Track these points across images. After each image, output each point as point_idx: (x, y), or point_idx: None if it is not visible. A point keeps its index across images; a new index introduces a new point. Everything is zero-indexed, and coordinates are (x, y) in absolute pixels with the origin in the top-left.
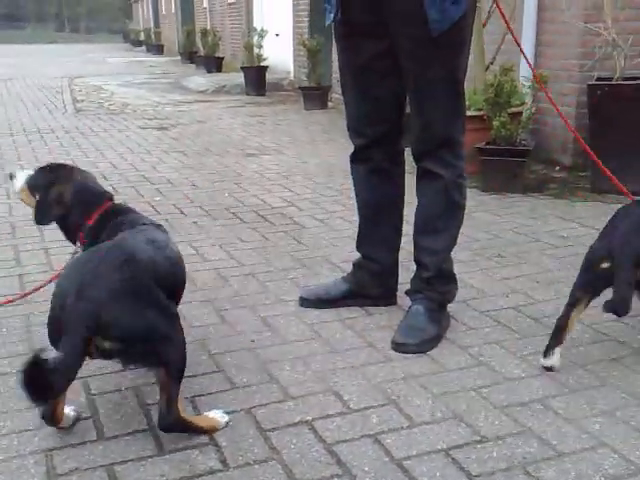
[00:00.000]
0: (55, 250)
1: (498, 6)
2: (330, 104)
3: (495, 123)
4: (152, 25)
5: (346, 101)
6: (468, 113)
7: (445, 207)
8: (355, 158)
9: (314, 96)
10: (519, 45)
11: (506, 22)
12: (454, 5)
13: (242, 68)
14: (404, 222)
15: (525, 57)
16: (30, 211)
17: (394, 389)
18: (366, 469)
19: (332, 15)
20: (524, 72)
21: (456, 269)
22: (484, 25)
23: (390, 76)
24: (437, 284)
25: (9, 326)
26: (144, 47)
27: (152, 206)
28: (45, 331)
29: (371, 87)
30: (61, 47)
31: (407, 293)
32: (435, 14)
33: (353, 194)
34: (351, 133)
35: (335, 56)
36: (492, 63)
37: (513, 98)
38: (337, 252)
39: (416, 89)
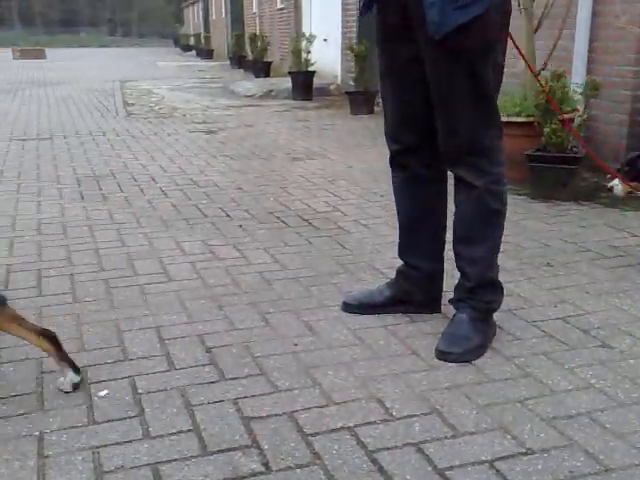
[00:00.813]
0: (105, 250)
1: (516, 46)
2: (377, 109)
3: (546, 130)
4: (202, 30)
5: (383, 106)
6: (518, 119)
7: (481, 216)
8: (392, 164)
9: (361, 101)
10: (518, 49)
11: (517, 48)
12: (458, 10)
13: (290, 73)
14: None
15: (525, 60)
16: (81, 212)
17: (438, 398)
18: (408, 477)
19: (365, 8)
20: (576, 78)
21: (503, 277)
22: (535, 31)
23: (423, 82)
24: (480, 293)
25: (60, 324)
26: (194, 51)
27: (199, 209)
28: (95, 329)
29: (405, 93)
30: (113, 51)
31: (451, 302)
32: (434, 16)
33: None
34: (387, 138)
35: None
36: (543, 69)
37: (564, 104)
38: (381, 258)
39: (437, 96)
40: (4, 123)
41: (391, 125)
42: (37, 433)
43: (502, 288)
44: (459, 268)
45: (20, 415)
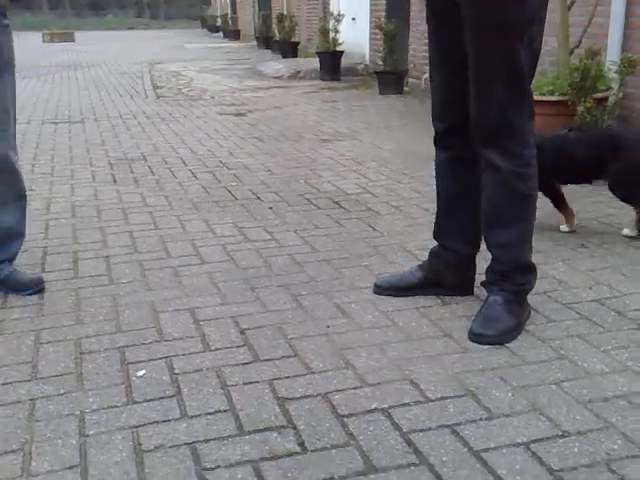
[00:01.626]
0: (138, 233)
1: None
2: (406, 89)
3: (580, 109)
4: (229, 11)
5: (431, 84)
6: (551, 98)
7: (509, 199)
8: (436, 144)
9: (389, 81)
10: None
11: None
12: None
13: (317, 53)
14: None
15: None
16: (114, 195)
17: (472, 380)
18: (444, 459)
19: None
20: (611, 56)
21: (537, 259)
22: (570, 7)
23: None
24: (512, 276)
25: (97, 305)
26: (221, 33)
27: (229, 191)
28: (131, 310)
29: (451, 72)
30: (140, 33)
31: (483, 284)
32: None
33: (428, 181)
34: (433, 117)
35: (412, 40)
36: (577, 47)
37: (599, 83)
38: (412, 240)
39: (471, 75)
40: (36, 106)
41: (437, 104)
42: (78, 412)
43: (535, 270)
44: (490, 251)
45: (61, 395)
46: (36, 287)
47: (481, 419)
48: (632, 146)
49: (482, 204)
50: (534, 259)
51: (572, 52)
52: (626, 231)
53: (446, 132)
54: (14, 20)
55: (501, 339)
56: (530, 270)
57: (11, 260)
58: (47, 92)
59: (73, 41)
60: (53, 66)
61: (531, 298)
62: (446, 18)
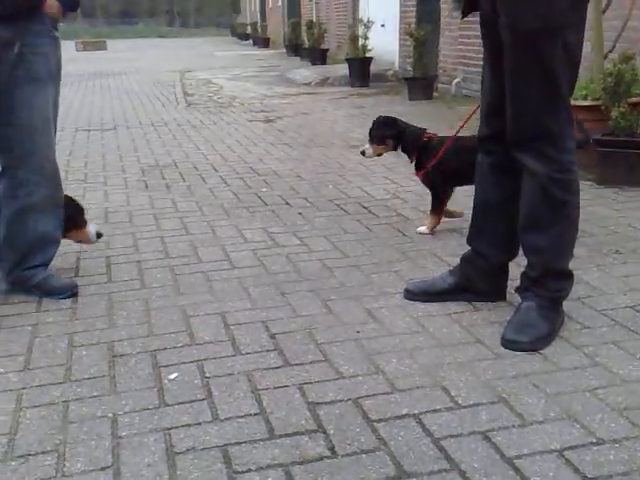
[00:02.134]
0: (170, 238)
1: None
2: (435, 94)
3: (614, 113)
4: (259, 18)
5: (482, 87)
6: (584, 103)
7: (545, 205)
8: (480, 147)
9: (419, 86)
10: None
11: None
12: None
13: (347, 60)
14: None
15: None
16: (146, 201)
17: (504, 387)
18: (476, 466)
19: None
20: None
21: (571, 265)
22: (604, 11)
23: None
24: (546, 283)
25: (129, 309)
26: (251, 40)
27: (259, 197)
28: (162, 314)
29: (498, 78)
30: (171, 41)
31: (517, 290)
32: None
33: (460, 187)
34: (480, 122)
35: (442, 45)
36: (611, 51)
37: (633, 87)
38: (443, 245)
39: (506, 78)
40: (70, 114)
41: (484, 109)
42: (111, 414)
43: (571, 277)
44: (526, 256)
45: (94, 397)
46: (70, 291)
47: (514, 426)
48: None
49: (520, 209)
50: None
51: (606, 56)
52: None
53: (489, 137)
54: None
55: (534, 346)
56: (565, 277)
57: (46, 265)
58: (80, 100)
59: (105, 49)
60: (86, 74)
61: (565, 304)
62: (493, 26)
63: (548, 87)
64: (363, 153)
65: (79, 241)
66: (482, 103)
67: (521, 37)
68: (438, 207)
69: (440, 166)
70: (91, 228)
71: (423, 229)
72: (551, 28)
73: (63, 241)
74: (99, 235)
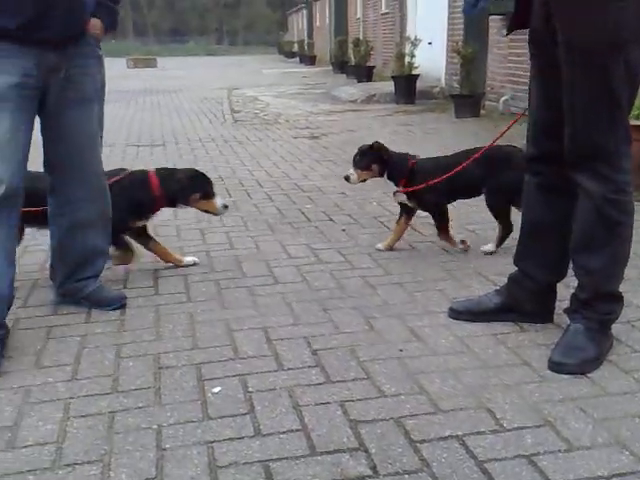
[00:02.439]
0: (215, 252)
1: None
2: (482, 112)
3: None
4: (306, 37)
5: (529, 107)
6: (634, 122)
7: (598, 225)
8: (528, 168)
9: (466, 104)
10: None
11: None
12: None
13: (393, 77)
14: None
15: None
16: (192, 215)
17: (551, 410)
18: None
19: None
20: None
21: (621, 287)
22: None
23: None
24: (596, 305)
25: (175, 322)
26: (297, 58)
27: (303, 213)
28: (207, 328)
29: (548, 98)
30: (220, 59)
31: (566, 311)
32: None
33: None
34: (527, 142)
35: (490, 63)
36: None
37: None
38: (489, 265)
39: (564, 96)
40: (120, 129)
41: (532, 130)
42: (155, 426)
43: (622, 300)
44: (577, 276)
45: (139, 408)
46: (119, 303)
47: (560, 450)
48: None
49: (573, 228)
50: None
51: None
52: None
53: (539, 158)
54: (102, 47)
55: (582, 369)
56: (616, 300)
57: (96, 276)
58: (130, 116)
59: (155, 67)
60: (136, 91)
61: (614, 327)
62: (545, 42)
63: (607, 105)
64: (347, 179)
65: (205, 211)
66: (530, 123)
67: (582, 54)
68: (443, 222)
69: (432, 187)
70: (219, 200)
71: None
72: (616, 44)
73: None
74: (225, 207)
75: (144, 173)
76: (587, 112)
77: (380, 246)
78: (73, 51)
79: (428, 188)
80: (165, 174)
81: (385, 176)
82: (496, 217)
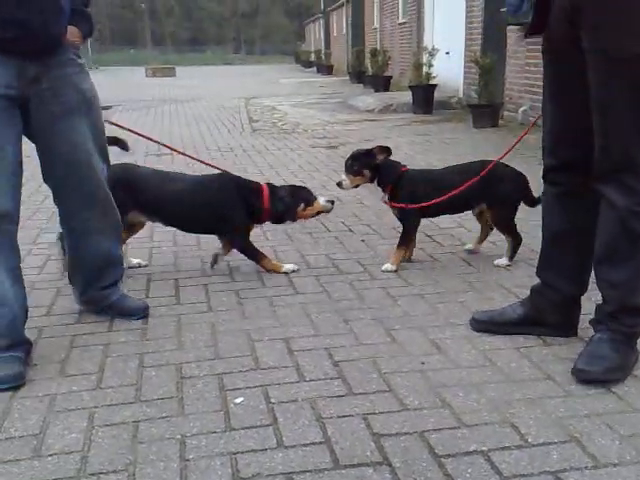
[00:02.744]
0: (235, 262)
1: None
2: (501, 122)
3: None
4: (323, 46)
5: (544, 117)
6: None
7: (625, 238)
8: (545, 178)
9: (484, 114)
10: None
11: None
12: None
13: (410, 87)
14: None
15: None
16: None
17: (576, 426)
18: None
19: (521, 12)
20: None
21: None
22: None
23: (587, 97)
24: (621, 318)
25: (197, 332)
26: (314, 68)
27: (322, 223)
28: (228, 338)
29: (568, 107)
30: (237, 68)
31: (591, 323)
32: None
33: (525, 216)
34: (544, 152)
35: (508, 74)
36: None
37: None
38: (510, 276)
39: (596, 108)
40: (140, 138)
41: (550, 139)
42: (179, 436)
43: None
44: (600, 289)
45: (163, 418)
46: (142, 313)
47: (587, 467)
48: None
49: (596, 241)
50: None
51: None
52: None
53: (557, 168)
54: (120, 56)
55: (606, 377)
56: None
57: (116, 284)
58: (150, 125)
59: (174, 76)
60: (155, 100)
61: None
62: (565, 50)
63: (639, 117)
64: (339, 184)
65: (316, 214)
66: (545, 133)
67: (619, 63)
68: (403, 241)
69: (408, 197)
70: (322, 200)
71: (388, 266)
72: None
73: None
74: (331, 202)
75: (258, 183)
76: (622, 124)
77: (389, 266)
78: (53, 61)
79: (407, 200)
80: (273, 190)
81: (375, 182)
82: (503, 231)
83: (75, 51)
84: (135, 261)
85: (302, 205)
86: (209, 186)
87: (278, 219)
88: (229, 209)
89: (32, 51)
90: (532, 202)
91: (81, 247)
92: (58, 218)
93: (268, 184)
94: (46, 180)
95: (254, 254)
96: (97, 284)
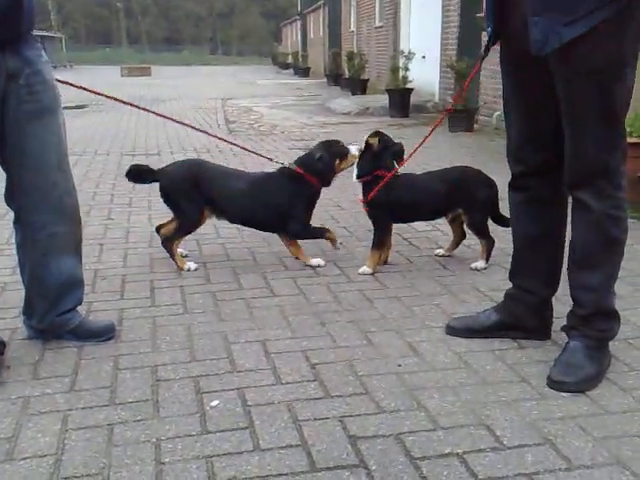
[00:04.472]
0: (212, 264)
1: None
2: (476, 126)
3: None
4: (300, 48)
5: (507, 126)
6: (629, 140)
7: (600, 242)
8: (513, 185)
9: (460, 118)
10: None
11: None
12: (567, 27)
13: (387, 90)
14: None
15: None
16: None
17: (550, 428)
18: None
19: (489, 29)
20: None
21: (617, 305)
22: None
23: (551, 103)
24: (595, 322)
25: (172, 334)
26: (291, 70)
27: None
28: (204, 340)
29: (532, 113)
30: (214, 69)
31: (563, 329)
32: (536, 34)
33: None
34: (510, 159)
35: (483, 79)
36: None
37: None
38: (485, 280)
39: (567, 115)
40: (115, 138)
41: (515, 146)
42: (154, 439)
43: (618, 317)
44: (573, 294)
45: (137, 421)
46: (110, 334)
47: (560, 469)
48: None
49: (571, 245)
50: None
51: None
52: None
53: (526, 174)
54: (96, 55)
55: (582, 387)
56: (613, 317)
57: (76, 307)
58: (125, 125)
59: (150, 75)
60: (131, 100)
61: (612, 345)
62: (528, 59)
63: (611, 125)
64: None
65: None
66: (511, 141)
67: (591, 75)
68: (377, 244)
69: (383, 200)
70: (353, 150)
71: (365, 269)
72: (620, 65)
73: (109, 263)
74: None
75: (291, 170)
76: (593, 133)
77: (365, 269)
78: (28, 55)
79: (375, 203)
80: (304, 161)
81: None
82: (479, 234)
83: (40, 46)
84: (185, 252)
85: (338, 160)
86: (272, 182)
87: (324, 182)
88: (292, 205)
89: (10, 38)
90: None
91: (43, 266)
92: (16, 236)
93: (296, 162)
94: (9, 194)
95: (317, 232)
96: (60, 309)
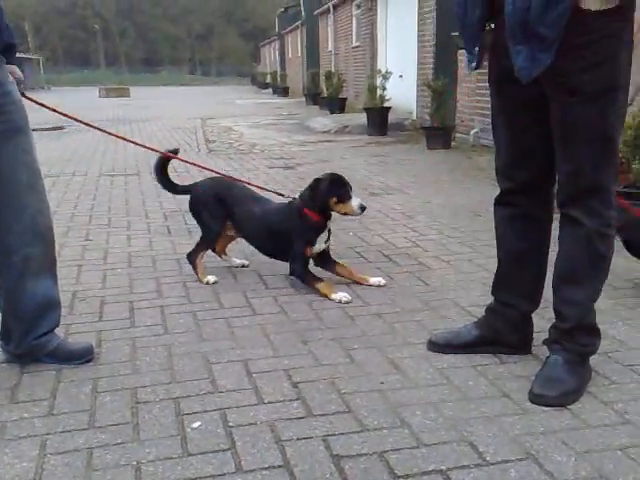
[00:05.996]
0: (192, 283)
1: None
2: (453, 144)
3: (635, 166)
4: (278, 68)
5: (496, 143)
6: None
7: (588, 258)
8: (500, 201)
9: (437, 136)
10: None
11: None
12: (543, 53)
13: (365, 109)
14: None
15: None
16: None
17: (533, 443)
18: None
19: (474, 65)
20: None
21: (597, 318)
22: None
23: (541, 121)
24: (577, 336)
25: (152, 355)
26: (270, 89)
27: None
28: (185, 361)
29: (522, 131)
30: (193, 89)
31: (545, 343)
32: (522, 62)
33: (479, 236)
34: (499, 176)
35: (459, 96)
36: (631, 104)
37: None
38: (465, 295)
39: (560, 135)
40: (93, 158)
41: (504, 163)
42: (134, 463)
43: (599, 333)
44: (557, 309)
45: (117, 444)
46: (89, 356)
47: None
48: None
49: (558, 260)
50: None
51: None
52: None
53: (515, 191)
54: (73, 76)
55: (562, 401)
56: (595, 332)
57: (54, 330)
58: (103, 145)
59: (128, 96)
60: (109, 120)
61: (592, 359)
62: (512, 82)
63: (605, 145)
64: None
65: (344, 213)
66: (499, 158)
67: (586, 97)
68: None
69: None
70: (354, 202)
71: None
72: (614, 87)
73: (88, 284)
74: (363, 208)
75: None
76: (588, 153)
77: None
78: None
79: None
80: (303, 194)
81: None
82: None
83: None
84: (238, 261)
85: (335, 199)
86: (281, 213)
87: (322, 215)
88: (295, 236)
89: None
90: None
91: (19, 289)
92: None
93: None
94: None
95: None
96: (37, 332)
